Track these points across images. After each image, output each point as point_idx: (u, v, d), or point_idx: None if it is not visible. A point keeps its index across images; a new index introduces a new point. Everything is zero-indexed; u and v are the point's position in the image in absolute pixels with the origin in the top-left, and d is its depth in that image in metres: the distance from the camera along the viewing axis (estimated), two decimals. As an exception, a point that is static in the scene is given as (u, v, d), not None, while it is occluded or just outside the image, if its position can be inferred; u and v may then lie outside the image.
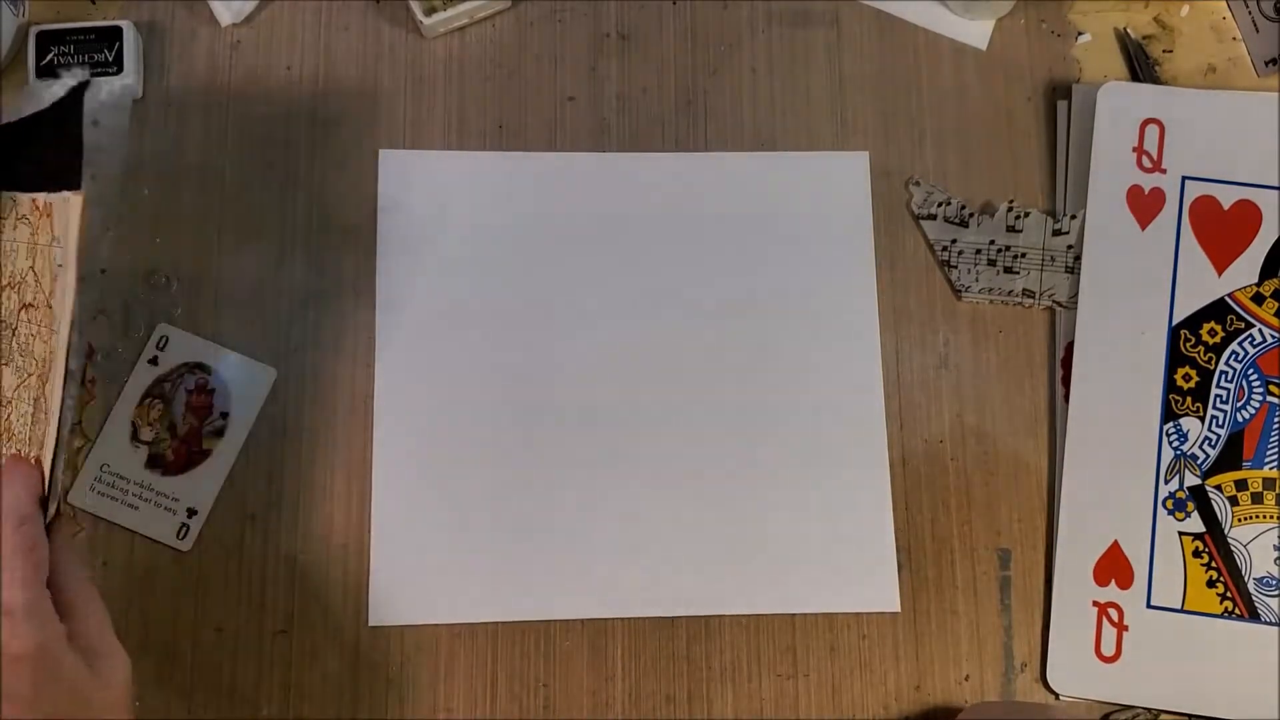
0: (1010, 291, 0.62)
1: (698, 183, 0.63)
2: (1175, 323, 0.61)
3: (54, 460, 0.50)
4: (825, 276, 0.62)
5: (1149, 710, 0.58)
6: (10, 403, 0.53)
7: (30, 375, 0.52)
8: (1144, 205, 0.62)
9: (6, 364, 0.53)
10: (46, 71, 0.59)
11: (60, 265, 0.51)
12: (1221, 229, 0.62)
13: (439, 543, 0.58)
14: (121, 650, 0.48)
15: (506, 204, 0.62)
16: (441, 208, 0.62)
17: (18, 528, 0.46)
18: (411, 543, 0.58)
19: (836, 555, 0.59)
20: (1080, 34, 0.66)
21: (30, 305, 0.53)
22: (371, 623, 0.57)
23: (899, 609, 0.59)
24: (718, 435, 0.60)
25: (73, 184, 0.52)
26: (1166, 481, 0.60)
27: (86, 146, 0.52)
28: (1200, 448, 0.60)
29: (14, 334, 0.53)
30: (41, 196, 0.53)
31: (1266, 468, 0.60)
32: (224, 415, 0.59)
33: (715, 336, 0.61)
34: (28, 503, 0.48)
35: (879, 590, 0.59)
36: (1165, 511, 0.59)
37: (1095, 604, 0.59)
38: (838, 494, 0.60)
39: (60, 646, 0.45)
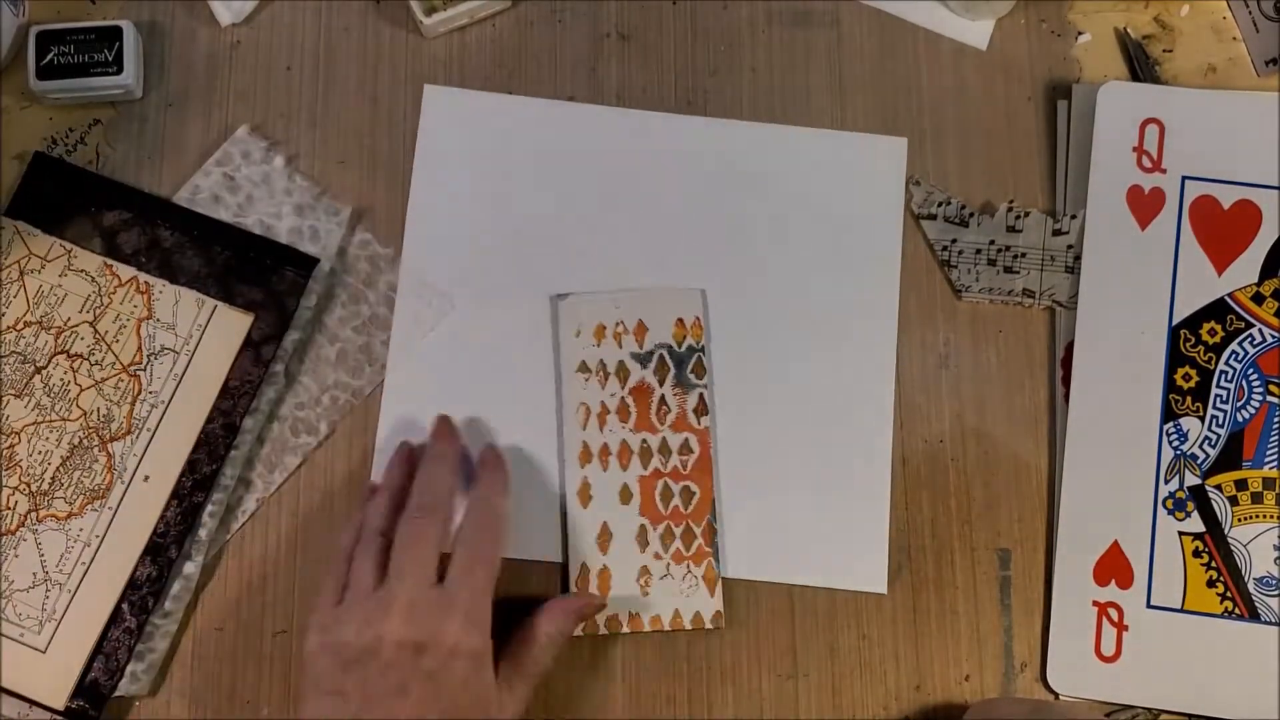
0: (1010, 291, 0.62)
1: (735, 150, 0.62)
2: (1175, 323, 0.61)
3: None
4: (850, 262, 0.62)
5: (1149, 710, 0.58)
6: (18, 434, 0.55)
7: (63, 420, 0.56)
8: (1144, 205, 0.62)
9: (19, 396, 0.56)
10: (46, 72, 0.59)
11: (168, 350, 0.57)
12: (1221, 229, 0.62)
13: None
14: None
15: (541, 153, 0.62)
16: (476, 155, 0.62)
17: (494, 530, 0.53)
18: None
19: (829, 531, 0.59)
20: (1080, 34, 0.66)
21: (76, 355, 0.57)
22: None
23: (885, 590, 0.59)
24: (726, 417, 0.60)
25: (240, 305, 0.58)
26: (1166, 481, 0.60)
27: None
28: (1200, 447, 0.60)
29: (39, 373, 0.57)
30: (143, 275, 0.58)
31: (1266, 468, 0.60)
32: (224, 415, 0.59)
33: (731, 315, 0.61)
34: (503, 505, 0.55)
35: (868, 571, 0.59)
36: (1165, 511, 0.59)
37: (1095, 604, 0.59)
38: (837, 473, 0.60)
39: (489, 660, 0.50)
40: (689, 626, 0.57)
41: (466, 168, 0.62)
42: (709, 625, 0.57)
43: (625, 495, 0.58)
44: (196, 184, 0.60)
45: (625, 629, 0.57)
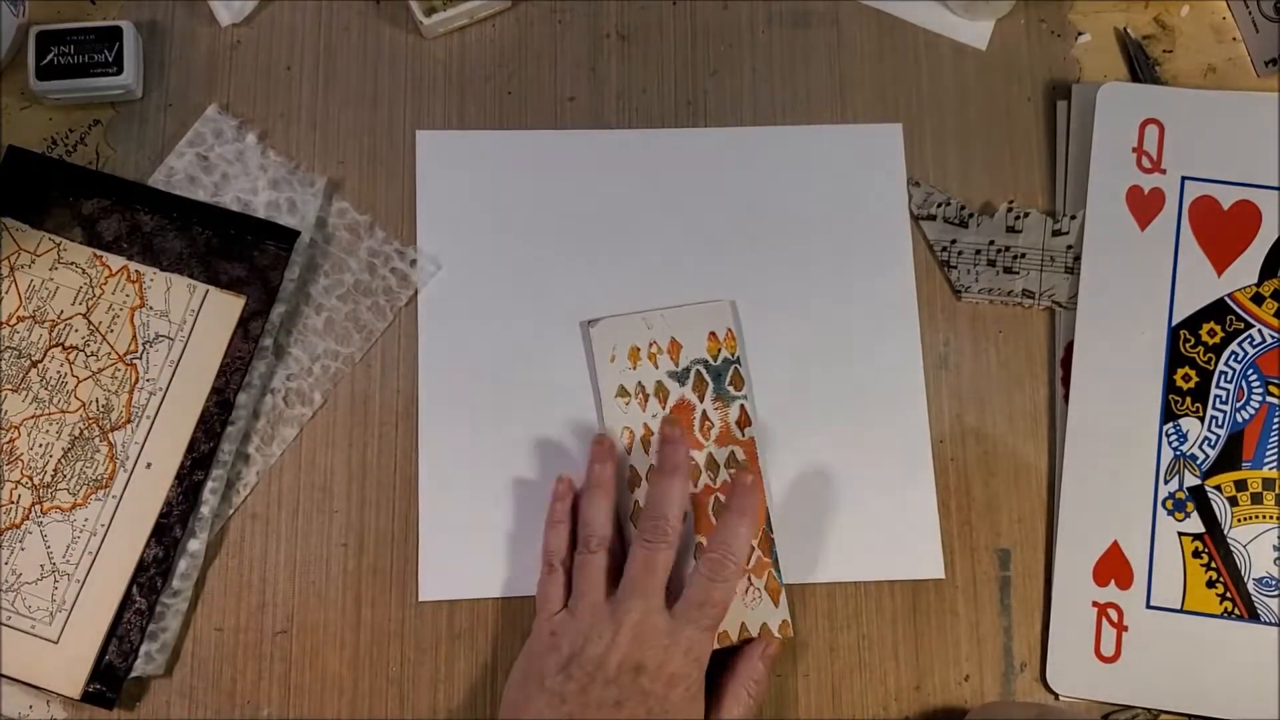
0: (1010, 292, 0.62)
1: (736, 157, 0.63)
2: (1175, 323, 0.61)
3: None
4: (864, 250, 0.62)
5: (1149, 710, 0.58)
6: (18, 428, 0.56)
7: (62, 412, 0.57)
8: (1144, 205, 0.62)
9: (16, 390, 0.56)
10: (46, 72, 0.59)
11: (163, 337, 0.57)
12: (1221, 229, 0.62)
13: (447, 538, 0.58)
14: None
15: (543, 183, 0.62)
16: (479, 192, 0.61)
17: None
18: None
19: (881, 525, 0.59)
20: (1080, 34, 0.66)
21: (71, 347, 0.57)
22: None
23: (944, 575, 0.59)
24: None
25: (235, 289, 0.58)
26: (1166, 482, 0.60)
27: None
28: (1200, 448, 0.60)
29: (35, 366, 0.57)
30: (134, 265, 0.58)
31: (1266, 468, 0.60)
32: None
33: (756, 321, 0.61)
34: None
35: (925, 559, 0.59)
36: (1165, 512, 0.59)
37: (1095, 604, 0.59)
38: (880, 464, 0.60)
39: None
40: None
41: (472, 209, 0.61)
42: (777, 635, 0.57)
43: None
44: (171, 166, 0.60)
45: None
